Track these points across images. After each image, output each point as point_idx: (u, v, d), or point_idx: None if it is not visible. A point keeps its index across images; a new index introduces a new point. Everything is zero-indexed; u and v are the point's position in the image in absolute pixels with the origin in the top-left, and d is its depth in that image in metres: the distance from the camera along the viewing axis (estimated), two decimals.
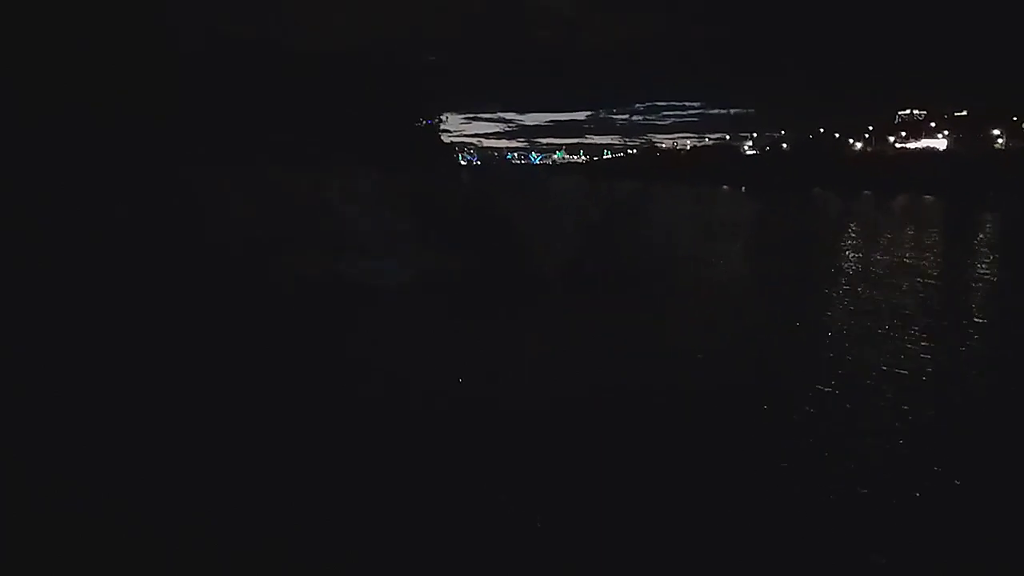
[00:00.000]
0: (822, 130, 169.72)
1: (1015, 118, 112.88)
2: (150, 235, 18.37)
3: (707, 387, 13.02)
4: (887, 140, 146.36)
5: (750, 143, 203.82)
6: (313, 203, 22.23)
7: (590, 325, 17.93)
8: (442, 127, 41.72)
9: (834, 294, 21.64)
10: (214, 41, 30.28)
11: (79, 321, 15.02)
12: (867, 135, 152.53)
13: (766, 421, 11.53)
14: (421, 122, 39.95)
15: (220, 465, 9.55)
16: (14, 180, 18.62)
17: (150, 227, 18.56)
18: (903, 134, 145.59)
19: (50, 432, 10.16)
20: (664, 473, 9.62)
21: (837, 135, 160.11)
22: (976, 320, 18.46)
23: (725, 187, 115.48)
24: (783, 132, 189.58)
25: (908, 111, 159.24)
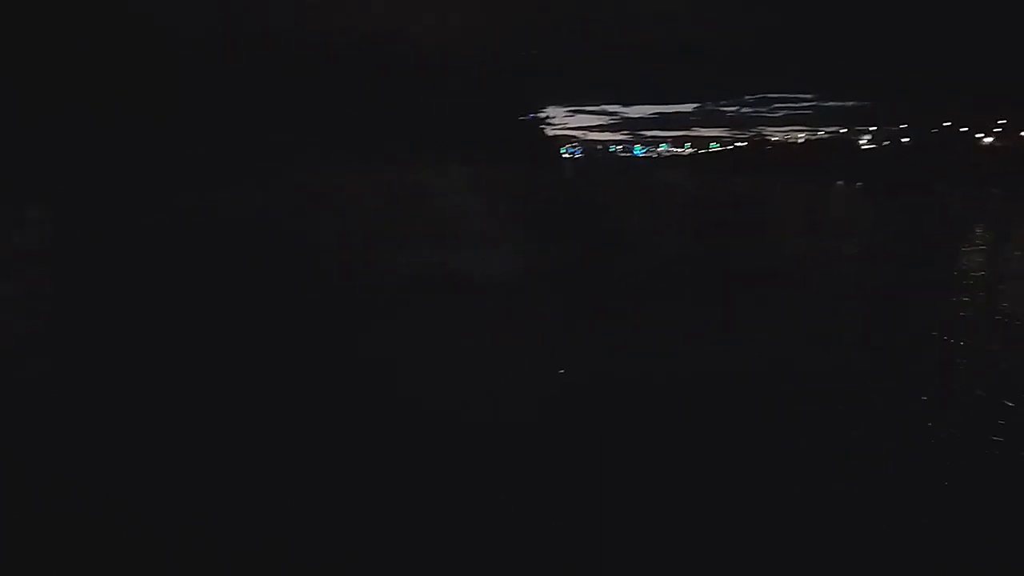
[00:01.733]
0: (947, 123, 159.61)
1: None
2: (259, 232, 19.13)
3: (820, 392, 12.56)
4: (1020, 135, 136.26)
5: (867, 137, 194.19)
6: (418, 197, 22.65)
7: (695, 323, 17.54)
8: (546, 120, 41.61)
9: (954, 301, 20.42)
10: (323, 39, 31.27)
11: (181, 315, 15.73)
12: (998, 129, 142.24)
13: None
14: (525, 116, 40.02)
15: (327, 457, 9.86)
16: (126, 169, 19.69)
17: (258, 224, 19.34)
18: None
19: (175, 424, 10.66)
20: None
21: (964, 129, 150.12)
22: None
23: (839, 182, 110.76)
24: (904, 126, 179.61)
25: None
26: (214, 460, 9.42)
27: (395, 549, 7.73)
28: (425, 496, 8.92)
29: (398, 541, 7.89)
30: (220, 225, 19.41)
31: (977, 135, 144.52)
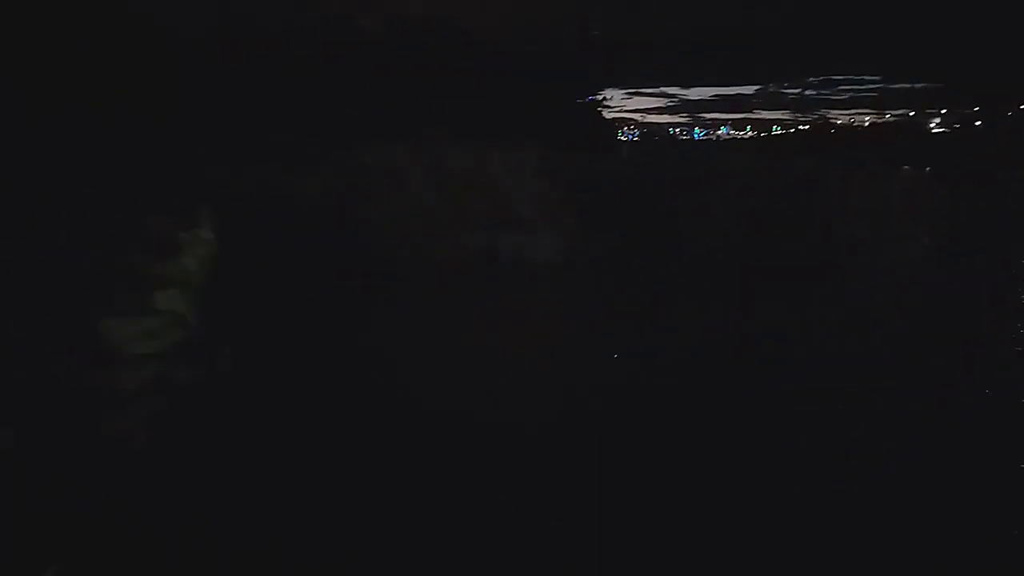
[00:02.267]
0: None
1: None
2: (319, 214, 19.29)
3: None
4: None
5: (937, 120, 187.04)
6: (475, 180, 22.58)
7: (752, 314, 17.16)
8: (603, 103, 41.00)
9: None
10: (382, 19, 31.25)
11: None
12: None
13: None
14: (583, 98, 39.52)
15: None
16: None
17: (319, 207, 19.50)
18: None
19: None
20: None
21: None
22: None
23: (906, 167, 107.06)
24: (977, 108, 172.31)
25: None
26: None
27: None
28: (487, 467, 8.97)
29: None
30: (281, 208, 19.64)
31: None
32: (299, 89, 21.68)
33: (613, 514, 8.05)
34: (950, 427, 10.75)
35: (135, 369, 9.98)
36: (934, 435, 10.46)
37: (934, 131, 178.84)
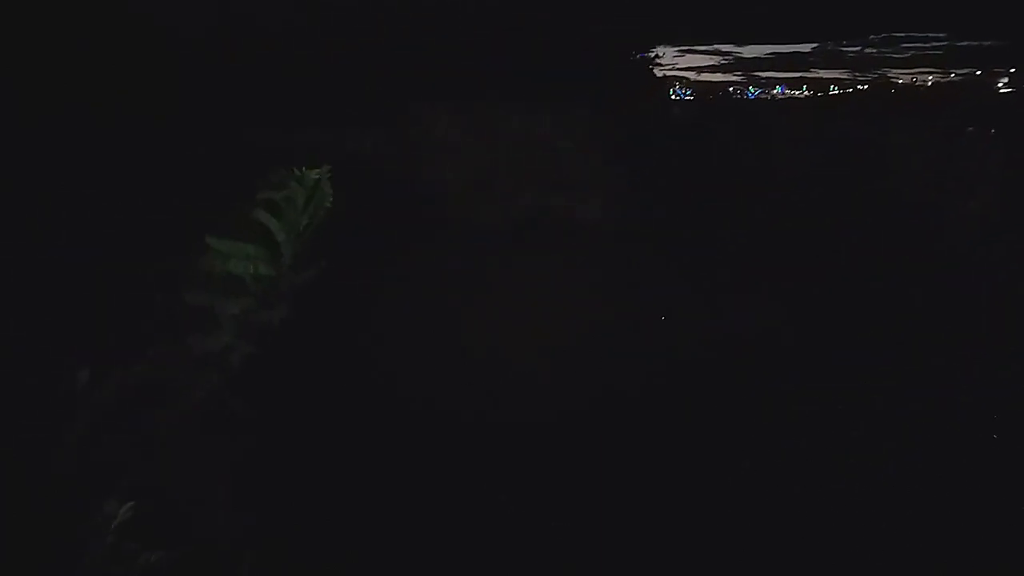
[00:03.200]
0: None
1: None
2: (366, 175, 19.18)
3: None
4: None
5: (1006, 79, 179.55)
6: (525, 139, 22.25)
7: (803, 291, 16.66)
8: (655, 60, 39.97)
9: None
10: None
11: None
12: None
13: None
14: (634, 56, 38.56)
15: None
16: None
17: (366, 166, 19.39)
18: None
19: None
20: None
21: None
22: None
23: (971, 129, 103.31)
24: None
25: None
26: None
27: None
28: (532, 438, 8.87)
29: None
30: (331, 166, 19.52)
31: None
32: (349, 51, 21.47)
33: (646, 497, 7.87)
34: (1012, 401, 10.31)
35: (229, 295, 9.70)
36: (997, 407, 10.04)
37: (1002, 91, 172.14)
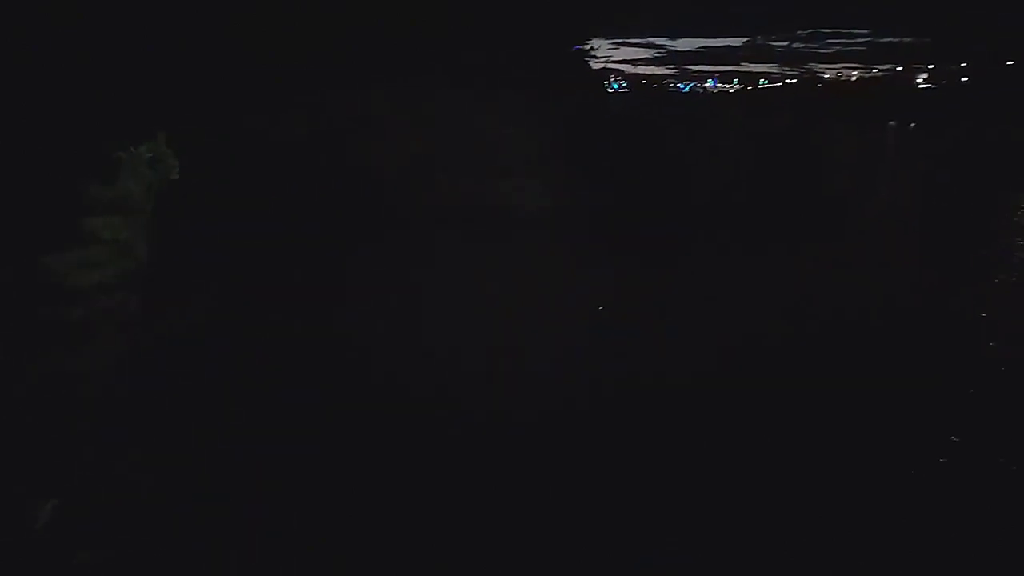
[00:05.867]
0: (1010, 62, 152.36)
1: None
2: (294, 159, 18.94)
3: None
4: None
5: (924, 76, 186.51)
6: (461, 128, 22.32)
7: (736, 267, 17.24)
8: (590, 52, 40.25)
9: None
10: None
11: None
12: None
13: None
14: (569, 48, 38.83)
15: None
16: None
17: (294, 151, 19.14)
18: None
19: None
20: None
21: None
22: None
23: (892, 123, 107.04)
24: (963, 64, 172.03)
25: None
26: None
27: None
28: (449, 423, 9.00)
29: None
30: (259, 154, 19.28)
31: None
32: (273, 23, 20.93)
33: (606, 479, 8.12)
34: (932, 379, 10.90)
35: (78, 302, 9.46)
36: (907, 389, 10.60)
37: (920, 86, 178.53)
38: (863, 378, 10.72)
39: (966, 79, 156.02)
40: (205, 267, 12.89)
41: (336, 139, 20.59)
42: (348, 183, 19.36)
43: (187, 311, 11.43)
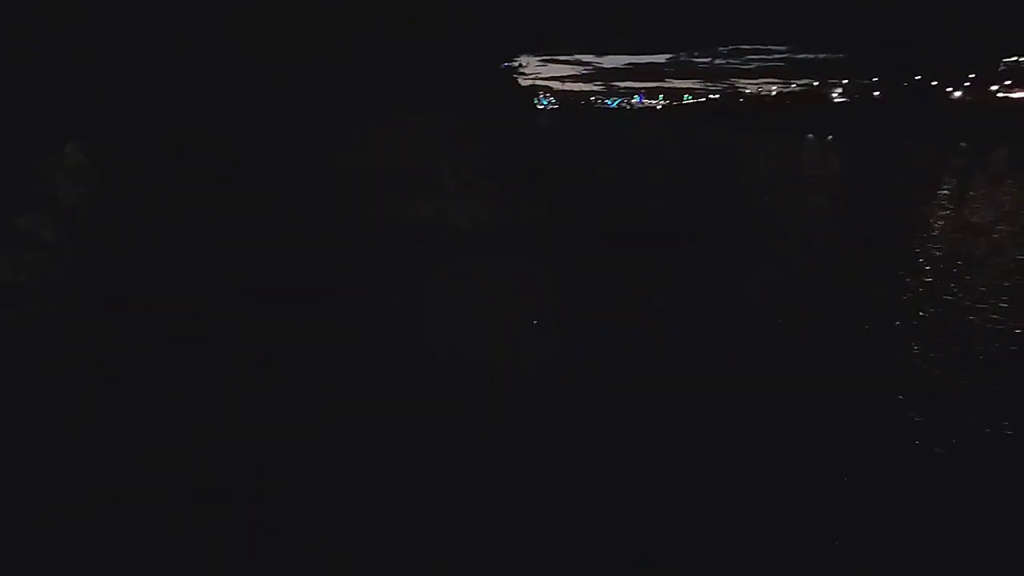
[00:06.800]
0: (918, 77, 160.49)
1: None
2: (231, 178, 18.77)
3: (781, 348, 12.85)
4: (989, 89, 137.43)
5: (839, 90, 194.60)
6: (393, 145, 22.37)
7: (665, 276, 17.74)
8: (519, 69, 40.86)
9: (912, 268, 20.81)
10: None
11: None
12: (967, 83, 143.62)
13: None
14: (498, 64, 39.32)
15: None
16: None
17: (230, 170, 18.97)
18: (1007, 83, 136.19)
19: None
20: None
21: (934, 83, 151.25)
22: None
23: (810, 136, 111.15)
24: (875, 79, 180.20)
25: (1014, 58, 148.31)
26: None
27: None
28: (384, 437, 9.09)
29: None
30: (189, 171, 19.01)
31: (947, 89, 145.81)
32: (207, 43, 20.79)
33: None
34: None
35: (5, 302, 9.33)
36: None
37: (836, 100, 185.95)
38: (774, 373, 11.21)
39: (878, 93, 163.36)
40: (136, 273, 12.72)
41: (266, 155, 20.43)
42: (278, 200, 19.23)
43: (114, 315, 11.29)
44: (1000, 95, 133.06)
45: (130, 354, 10.78)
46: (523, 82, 39.80)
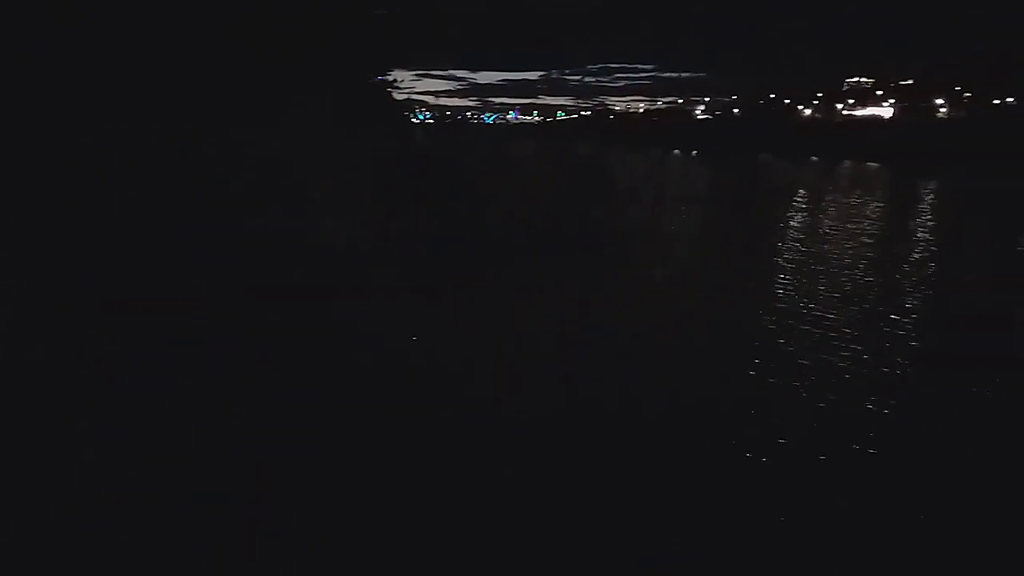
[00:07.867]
0: (772, 96, 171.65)
1: (957, 88, 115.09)
2: (96, 196, 17.60)
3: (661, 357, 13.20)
4: (835, 107, 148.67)
5: (702, 107, 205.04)
6: (266, 161, 21.60)
7: (545, 291, 17.96)
8: (393, 84, 40.63)
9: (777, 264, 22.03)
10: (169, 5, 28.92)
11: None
12: (816, 101, 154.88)
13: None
14: (371, 78, 38.95)
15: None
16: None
17: (96, 187, 17.75)
18: (851, 101, 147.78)
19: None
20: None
21: (787, 101, 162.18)
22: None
23: (676, 151, 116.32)
24: (734, 97, 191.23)
25: (856, 79, 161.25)
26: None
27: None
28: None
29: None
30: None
31: (798, 107, 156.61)
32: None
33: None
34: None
35: None
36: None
37: (699, 117, 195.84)
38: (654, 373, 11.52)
39: (737, 110, 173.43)
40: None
41: (135, 178, 19.24)
42: (152, 223, 18.19)
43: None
44: (844, 112, 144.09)
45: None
46: (397, 96, 39.50)
